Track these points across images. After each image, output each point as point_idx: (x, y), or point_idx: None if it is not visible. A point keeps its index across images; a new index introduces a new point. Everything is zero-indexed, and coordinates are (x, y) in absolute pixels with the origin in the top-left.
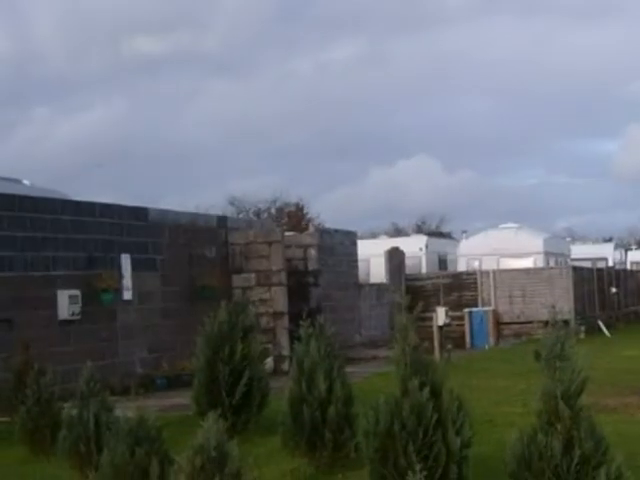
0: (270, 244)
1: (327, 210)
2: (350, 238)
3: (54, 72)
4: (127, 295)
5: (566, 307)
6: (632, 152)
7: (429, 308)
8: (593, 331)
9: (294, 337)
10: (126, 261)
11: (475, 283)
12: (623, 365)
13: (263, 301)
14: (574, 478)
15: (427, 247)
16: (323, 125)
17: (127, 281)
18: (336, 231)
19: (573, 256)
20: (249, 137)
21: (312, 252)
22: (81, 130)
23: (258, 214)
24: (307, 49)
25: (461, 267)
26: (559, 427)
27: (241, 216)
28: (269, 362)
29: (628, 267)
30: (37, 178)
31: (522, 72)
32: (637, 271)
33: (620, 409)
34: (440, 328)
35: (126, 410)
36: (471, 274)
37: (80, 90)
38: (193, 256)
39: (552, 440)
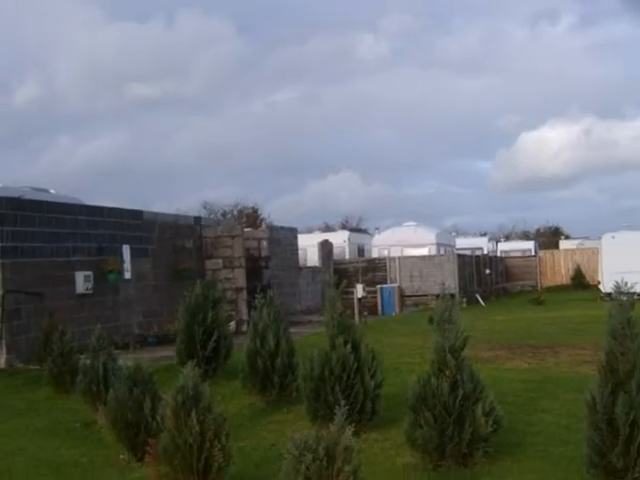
0: (233, 237)
1: (275, 212)
2: (292, 233)
3: (73, 110)
4: (127, 275)
5: (452, 284)
6: (501, 170)
7: (351, 285)
8: (472, 302)
9: (251, 306)
10: (126, 250)
11: (385, 266)
12: (494, 327)
13: (228, 279)
14: (458, 411)
15: (349, 240)
16: (272, 149)
17: (127, 265)
18: (282, 228)
19: (457, 246)
20: (217, 158)
21: (264, 243)
22: (93, 153)
23: (224, 215)
24: (260, 93)
25: (374, 254)
26: (447, 373)
27: (211, 217)
28: (232, 325)
29: (498, 254)
30: (60, 188)
31: (421, 109)
32: (504, 257)
33: (492, 360)
34: (359, 300)
35: (126, 360)
36: (382, 260)
37: (92, 123)
38: (176, 246)
39: (442, 382)
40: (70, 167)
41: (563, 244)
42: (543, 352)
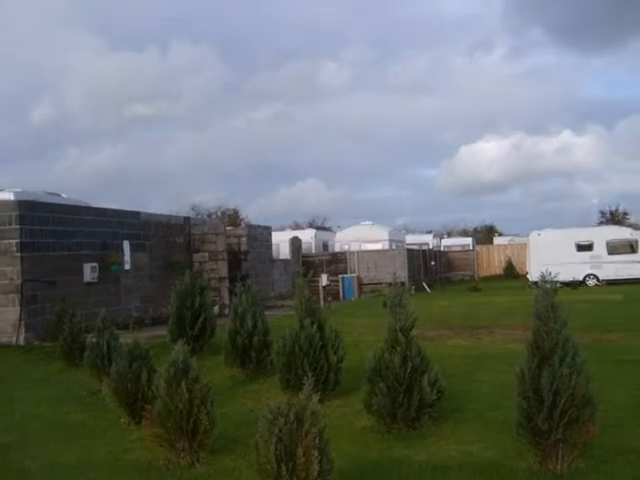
0: (217, 235)
1: (253, 213)
2: (267, 231)
3: (81, 126)
4: (127, 267)
5: (403, 274)
6: (445, 177)
7: (317, 275)
8: (420, 289)
9: (232, 293)
10: (127, 245)
11: (346, 259)
12: (438, 311)
13: (212, 270)
14: (408, 382)
15: (315, 236)
16: (251, 159)
17: (127, 258)
18: (258, 226)
19: (407, 242)
20: (204, 167)
21: (243, 239)
22: (98, 162)
23: (209, 216)
24: (241, 111)
25: (337, 249)
26: (398, 349)
27: (199, 217)
28: (216, 308)
29: (442, 249)
30: (71, 193)
31: (377, 126)
32: (447, 251)
33: (437, 338)
34: (324, 287)
35: (126, 339)
36: (343, 253)
37: (97, 137)
38: (169, 242)
39: (394, 357)
40: (79, 175)
41: (497, 240)
42: (480, 332)
